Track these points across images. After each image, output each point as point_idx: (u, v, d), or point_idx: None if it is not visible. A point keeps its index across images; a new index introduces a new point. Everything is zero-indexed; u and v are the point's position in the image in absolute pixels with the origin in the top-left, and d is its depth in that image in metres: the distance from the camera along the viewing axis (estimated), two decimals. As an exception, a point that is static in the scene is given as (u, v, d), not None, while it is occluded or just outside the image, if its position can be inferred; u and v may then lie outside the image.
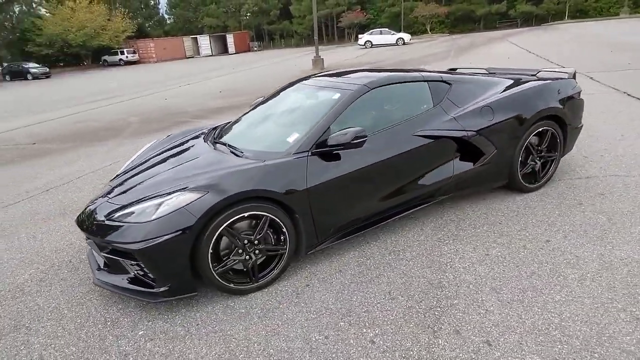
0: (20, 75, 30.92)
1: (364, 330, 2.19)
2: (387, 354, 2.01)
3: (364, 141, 2.66)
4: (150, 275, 2.36)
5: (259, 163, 2.60)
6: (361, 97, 2.98)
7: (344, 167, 2.73)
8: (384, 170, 2.90)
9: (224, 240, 2.45)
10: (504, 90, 3.47)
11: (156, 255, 2.28)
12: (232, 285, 2.52)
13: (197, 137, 3.59)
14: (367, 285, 2.58)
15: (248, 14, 54.59)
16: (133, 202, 2.55)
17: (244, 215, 2.42)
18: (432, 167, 3.12)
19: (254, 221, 2.50)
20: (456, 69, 4.75)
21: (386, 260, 2.83)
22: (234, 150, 2.94)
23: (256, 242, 2.52)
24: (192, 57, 46.79)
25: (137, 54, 41.67)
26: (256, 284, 2.59)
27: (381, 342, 2.09)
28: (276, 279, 2.68)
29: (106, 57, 40.45)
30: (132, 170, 3.20)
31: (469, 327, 2.13)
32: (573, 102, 3.70)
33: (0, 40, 38.99)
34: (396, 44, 33.10)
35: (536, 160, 3.60)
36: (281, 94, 3.68)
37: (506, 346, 1.99)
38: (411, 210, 3.15)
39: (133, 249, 2.28)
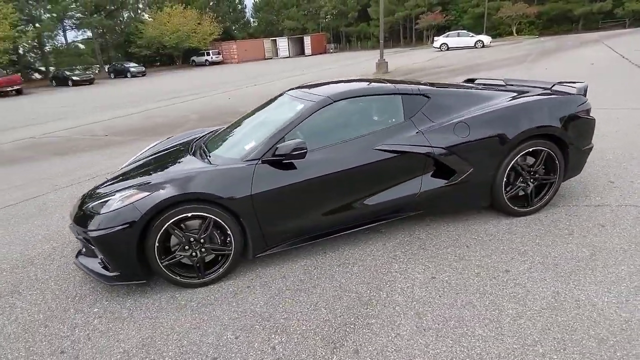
0: (122, 73, 35.06)
1: (272, 336, 2.27)
2: (279, 362, 2.08)
3: (304, 153, 2.71)
4: (105, 260, 2.69)
5: (210, 168, 2.80)
6: (324, 109, 3.03)
7: (296, 177, 2.81)
8: (338, 182, 2.92)
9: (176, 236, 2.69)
10: (493, 105, 3.26)
11: (107, 243, 2.59)
12: (179, 278, 2.76)
13: (191, 140, 3.90)
14: (300, 293, 2.64)
15: (327, 17, 55.63)
16: (107, 194, 2.90)
17: (187, 215, 2.64)
18: (394, 182, 3.06)
19: (201, 221, 2.70)
20: (474, 79, 4.50)
21: (332, 271, 2.86)
22: (204, 155, 3.18)
23: (202, 240, 2.72)
24: (271, 58, 48.99)
25: (220, 55, 44.77)
26: (202, 280, 2.79)
27: (281, 350, 2.16)
28: (222, 277, 2.86)
29: (194, 58, 44.09)
30: (126, 167, 3.60)
31: (370, 349, 2.11)
32: (579, 121, 3.34)
33: (111, 42, 44.55)
34: (474, 47, 31.38)
35: (528, 183, 3.32)
36: (271, 103, 3.83)
37: (394, 373, 1.94)
38: (374, 224, 3.12)
39: (90, 236, 2.62)
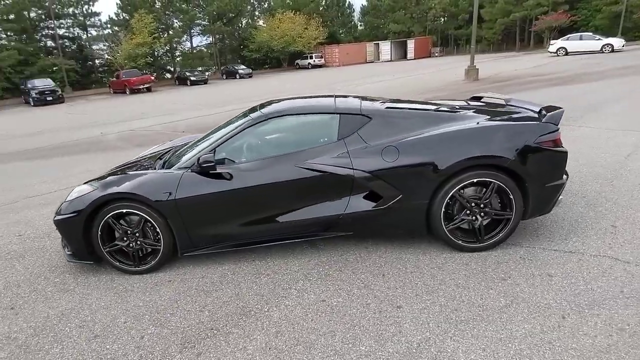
0: (232, 74, 38.80)
1: (149, 327, 2.56)
2: (102, 353, 2.35)
3: (212, 166, 2.93)
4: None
5: (148, 172, 3.19)
6: (258, 125, 3.20)
7: (221, 187, 3.05)
8: (261, 195, 3.07)
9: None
10: (440, 130, 3.04)
11: (61, 226, 3.16)
12: (118, 264, 3.21)
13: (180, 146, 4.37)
14: (201, 294, 2.87)
15: (437, 19, 53.65)
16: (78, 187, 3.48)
17: (123, 212, 3.07)
18: (318, 200, 3.08)
19: (139, 217, 3.11)
20: (482, 97, 4.16)
21: (242, 279, 3.02)
22: (165, 162, 3.58)
23: (137, 234, 3.13)
24: (372, 62, 49.14)
25: (323, 59, 46.47)
26: (136, 269, 3.20)
27: (147, 340, 2.43)
28: (155, 269, 3.23)
29: (298, 61, 46.56)
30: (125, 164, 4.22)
31: (210, 355, 2.26)
32: (540, 154, 2.92)
33: (228, 46, 49.53)
34: (601, 51, 27.24)
35: (477, 216, 3.02)
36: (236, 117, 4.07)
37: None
38: (304, 239, 3.18)
39: (53, 219, 3.22)
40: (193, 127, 11.22)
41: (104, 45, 37.98)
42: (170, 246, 3.18)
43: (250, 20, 52.15)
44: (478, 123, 3.05)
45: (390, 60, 48.69)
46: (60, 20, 36.76)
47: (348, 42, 54.62)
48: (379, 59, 50.32)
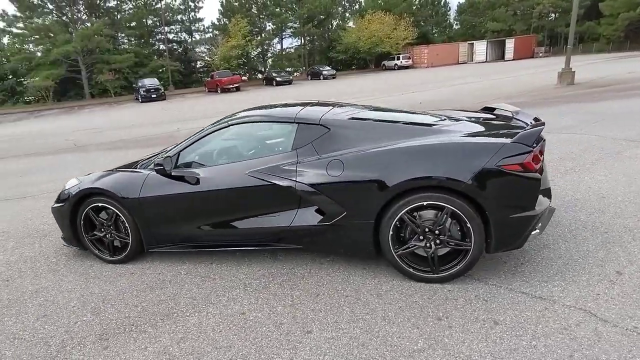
0: (316, 75, 39.78)
1: (86, 315, 2.77)
2: (38, 331, 2.58)
3: (162, 170, 3.07)
4: (61, 226, 3.71)
5: (125, 171, 3.45)
6: (220, 132, 3.26)
7: (179, 189, 3.18)
8: (214, 200, 3.13)
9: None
10: (391, 145, 2.77)
11: (54, 213, 3.59)
12: (97, 251, 3.54)
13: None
14: (145, 290, 3.02)
15: (545, 16, 48.45)
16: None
17: (98, 205, 3.38)
18: (267, 210, 3.03)
19: (110, 211, 3.39)
20: (494, 109, 3.72)
21: (187, 281, 3.11)
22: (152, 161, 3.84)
23: (111, 227, 3.42)
24: (464, 62, 46.35)
25: (410, 60, 45.16)
26: (111, 258, 3.50)
27: (77, 326, 2.64)
28: (127, 262, 3.48)
29: (385, 62, 45.91)
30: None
31: (115, 350, 2.37)
32: (502, 179, 2.50)
33: (316, 48, 50.89)
34: None
35: (430, 244, 2.70)
36: None
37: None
38: (261, 247, 3.15)
39: (51, 206, 3.67)
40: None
41: (205, 48, 41.74)
42: (138, 241, 3.40)
43: (340, 22, 52.86)
44: (438, 140, 2.72)
45: (485, 61, 45.41)
46: (171, 27, 41.39)
47: (443, 42, 52.30)
48: (472, 60, 47.26)
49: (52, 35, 33.10)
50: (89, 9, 36.26)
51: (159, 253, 3.54)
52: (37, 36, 33.86)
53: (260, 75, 49.40)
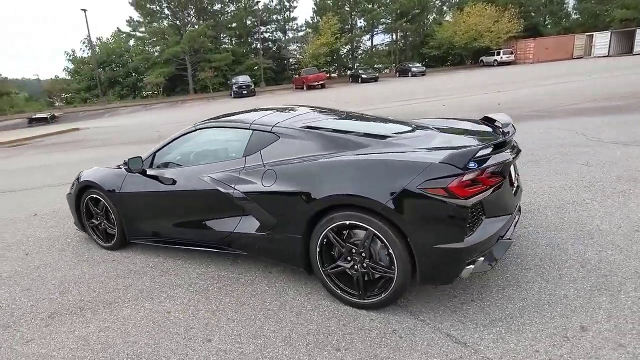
0: (405, 72, 38.60)
1: (55, 295, 3.15)
2: (13, 302, 2.97)
3: (127, 169, 3.34)
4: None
5: (116, 168, 3.80)
6: (188, 135, 3.41)
7: (148, 188, 3.42)
8: (170, 200, 3.31)
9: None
10: (322, 158, 2.62)
11: (67, 199, 4.12)
12: (95, 237, 3.98)
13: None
14: (103, 276, 3.32)
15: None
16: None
17: (92, 197, 3.79)
18: (212, 215, 3.09)
19: (101, 203, 3.79)
20: (494, 120, 3.30)
21: (144, 272, 3.34)
22: None
23: (102, 216, 3.83)
24: (580, 57, 40.73)
25: (513, 55, 41.13)
26: (104, 244, 3.90)
27: (22, 298, 3.03)
28: (115, 249, 3.85)
29: (483, 58, 42.52)
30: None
31: (26, 335, 2.68)
32: (425, 202, 2.18)
33: (409, 44, 49.25)
34: None
35: (355, 266, 2.50)
36: None
37: None
38: (222, 250, 3.20)
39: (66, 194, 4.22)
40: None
41: (297, 46, 43.32)
42: (122, 231, 3.74)
43: (436, 16, 50.39)
44: (369, 155, 2.48)
45: (607, 55, 39.35)
46: (267, 26, 43.78)
47: (558, 34, 46.64)
48: (590, 54, 41.31)
49: (166, 37, 37.45)
50: (198, 13, 40.15)
51: (144, 244, 3.84)
52: (155, 38, 38.64)
53: (349, 72, 49.73)
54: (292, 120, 3.08)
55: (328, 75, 46.32)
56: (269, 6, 42.41)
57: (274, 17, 43.41)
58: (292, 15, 44.36)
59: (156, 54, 38.97)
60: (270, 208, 2.75)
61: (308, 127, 2.98)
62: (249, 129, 3.10)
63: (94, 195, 3.79)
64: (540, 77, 21.38)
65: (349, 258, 2.53)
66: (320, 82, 32.75)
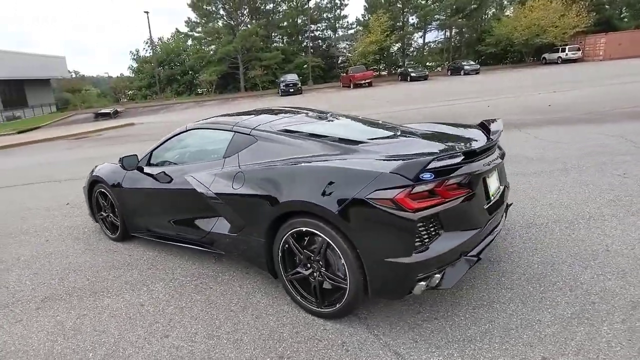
0: (457, 71, 37.05)
1: (43, 274, 3.42)
2: (20, 283, 3.25)
3: (122, 166, 3.51)
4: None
5: (118, 165, 4.03)
6: (180, 135, 3.53)
7: (142, 184, 3.60)
8: (159, 198, 3.46)
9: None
10: (284, 163, 2.61)
11: (83, 191, 4.44)
12: (104, 228, 4.26)
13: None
14: (97, 266, 3.53)
15: None
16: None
17: (101, 190, 4.06)
18: (194, 214, 3.18)
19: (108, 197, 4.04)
20: (491, 131, 3.11)
21: (134, 265, 3.51)
22: None
23: (109, 209, 4.08)
24: (660, 53, 36.70)
25: (580, 52, 37.97)
26: (111, 236, 4.17)
27: (26, 280, 3.30)
28: (120, 241, 4.10)
29: (545, 55, 39.69)
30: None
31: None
32: (373, 213, 2.08)
33: (464, 41, 47.16)
34: None
35: (314, 274, 2.47)
36: None
37: None
38: (203, 249, 3.32)
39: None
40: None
41: (346, 44, 43.17)
42: (123, 224, 3.97)
43: (496, 11, 47.77)
44: (330, 162, 2.42)
45: (692, 51, 35.10)
46: (317, 24, 44.03)
47: (630, 29, 42.44)
48: (673, 50, 37.07)
49: (220, 36, 38.98)
50: (251, 13, 41.34)
51: (146, 238, 4.04)
52: (210, 38, 40.36)
53: (399, 70, 48.68)
54: (273, 124, 3.09)
55: (378, 73, 45.73)
56: (320, 5, 42.64)
57: (325, 15, 43.55)
58: (342, 13, 44.27)
59: (211, 52, 40.66)
60: (238, 210, 2.79)
61: (285, 130, 2.97)
62: (231, 130, 3.15)
63: (102, 190, 4.05)
64: (608, 76, 19.55)
65: (308, 265, 2.50)
66: (367, 81, 32.38)
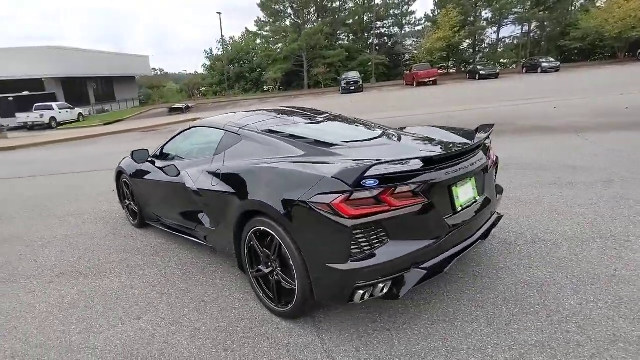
0: (533, 68, 34.20)
1: (65, 253, 3.84)
2: (50, 257, 3.70)
3: (132, 158, 3.78)
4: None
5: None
6: (186, 132, 3.76)
7: (149, 176, 3.89)
8: (162, 190, 3.70)
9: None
10: (251, 163, 2.68)
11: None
12: (128, 214, 4.67)
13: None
14: (107, 248, 3.87)
15: None
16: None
17: (124, 180, 4.46)
18: (187, 207, 3.36)
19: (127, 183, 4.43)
20: (489, 136, 2.96)
21: (139, 250, 3.79)
22: None
23: (130, 198, 4.47)
24: None
25: (686, 46, 33.08)
26: (132, 222, 4.56)
27: (50, 256, 3.73)
28: (139, 227, 4.47)
29: (642, 50, 35.21)
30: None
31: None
32: (313, 217, 2.07)
33: (547, 35, 43.29)
34: None
35: (273, 273, 2.52)
36: None
37: None
38: (197, 240, 3.49)
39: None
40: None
41: (413, 40, 41.92)
42: (141, 213, 4.32)
43: (584, 2, 43.28)
44: (287, 165, 2.44)
45: None
46: (384, 21, 43.30)
47: None
48: None
49: (287, 35, 40.04)
50: (318, 11, 41.87)
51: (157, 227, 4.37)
52: (277, 37, 41.63)
53: (469, 67, 46.17)
54: (259, 124, 3.17)
55: (446, 70, 43.86)
56: (387, 1, 41.84)
57: (392, 11, 42.65)
58: (410, 9, 42.99)
59: (278, 51, 41.92)
60: (214, 206, 2.92)
61: (269, 131, 3.03)
62: (222, 129, 3.29)
63: (125, 180, 4.45)
64: None
65: (269, 264, 2.55)
66: (432, 79, 31.18)
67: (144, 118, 27.54)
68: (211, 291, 2.98)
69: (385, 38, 44.35)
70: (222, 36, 43.23)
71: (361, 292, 2.08)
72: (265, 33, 42.83)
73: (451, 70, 44.51)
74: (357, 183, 2.01)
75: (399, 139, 2.90)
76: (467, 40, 41.47)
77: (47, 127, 24.64)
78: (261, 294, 2.66)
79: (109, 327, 2.64)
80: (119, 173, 4.56)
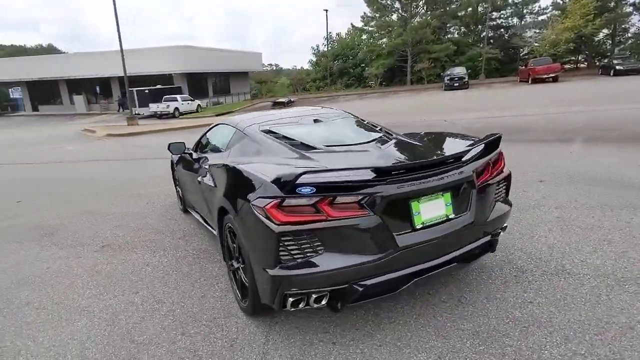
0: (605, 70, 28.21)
1: (115, 238, 4.45)
2: (104, 236, 4.35)
3: (168, 149, 4.16)
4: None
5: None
6: (214, 128, 4.04)
7: (185, 167, 4.27)
8: (188, 179, 4.04)
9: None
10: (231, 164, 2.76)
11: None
12: (178, 200, 5.21)
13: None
14: (150, 226, 4.37)
15: None
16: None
17: (175, 169, 4.99)
18: (200, 197, 3.62)
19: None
20: (471, 150, 2.68)
21: (174, 233, 4.21)
22: None
23: (179, 185, 4.99)
24: None
25: None
26: (180, 207, 5.08)
27: (100, 233, 4.36)
28: (184, 212, 4.97)
29: None
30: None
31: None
32: (253, 219, 2.08)
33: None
34: None
35: (238, 271, 2.62)
36: None
37: None
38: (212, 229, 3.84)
39: (176, 165, 5.62)
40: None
41: (534, 32, 37.44)
42: (182, 200, 4.79)
43: None
44: (246, 164, 2.49)
45: None
46: (501, 12, 39.53)
47: None
48: None
49: (392, 29, 39.26)
50: (427, 4, 40.10)
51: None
52: (383, 32, 41.08)
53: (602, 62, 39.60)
54: (263, 124, 3.27)
55: (576, 65, 38.37)
56: (507, -11, 38.07)
57: (511, 0, 38.67)
58: (534, -4, 38.40)
59: (383, 46, 41.42)
60: (206, 199, 3.12)
61: (267, 130, 3.12)
62: (234, 127, 3.48)
63: (174, 167, 4.97)
64: None
65: (239, 259, 2.64)
66: (552, 75, 27.55)
67: (249, 110, 29.89)
68: (204, 278, 3.20)
69: (502, 30, 40.48)
70: (329, 32, 44.32)
71: (292, 299, 2.05)
72: (370, 28, 42.65)
73: (581, 65, 38.74)
74: (291, 190, 1.97)
75: (387, 145, 2.72)
76: (604, 30, 35.57)
77: (172, 116, 28.42)
78: (235, 287, 2.78)
79: (111, 296, 3.03)
80: (172, 161, 5.11)
